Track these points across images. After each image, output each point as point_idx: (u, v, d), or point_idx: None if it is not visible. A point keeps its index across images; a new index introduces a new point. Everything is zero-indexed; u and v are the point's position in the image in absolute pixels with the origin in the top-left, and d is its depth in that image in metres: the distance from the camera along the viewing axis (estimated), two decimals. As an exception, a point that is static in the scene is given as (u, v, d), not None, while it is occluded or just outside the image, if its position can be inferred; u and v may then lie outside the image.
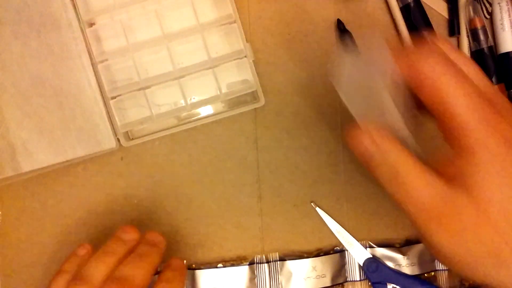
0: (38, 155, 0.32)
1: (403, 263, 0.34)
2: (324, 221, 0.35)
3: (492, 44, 0.35)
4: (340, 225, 0.34)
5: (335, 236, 0.35)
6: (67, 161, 0.33)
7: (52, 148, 0.32)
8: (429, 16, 0.34)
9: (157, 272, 0.32)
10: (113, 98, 0.33)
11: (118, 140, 0.34)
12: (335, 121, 0.35)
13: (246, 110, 0.34)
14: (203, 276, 0.33)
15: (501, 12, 0.35)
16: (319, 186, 0.35)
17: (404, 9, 0.35)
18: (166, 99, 0.34)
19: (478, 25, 0.34)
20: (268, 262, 0.34)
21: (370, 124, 0.21)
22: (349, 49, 0.20)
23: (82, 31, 0.33)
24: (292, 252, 0.35)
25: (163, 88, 0.34)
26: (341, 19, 0.35)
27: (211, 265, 0.34)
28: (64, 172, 0.35)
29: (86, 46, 0.33)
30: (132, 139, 0.34)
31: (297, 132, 0.35)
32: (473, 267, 0.19)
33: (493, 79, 0.34)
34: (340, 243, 0.34)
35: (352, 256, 0.34)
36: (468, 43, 0.35)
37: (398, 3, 0.35)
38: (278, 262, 0.34)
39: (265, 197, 0.35)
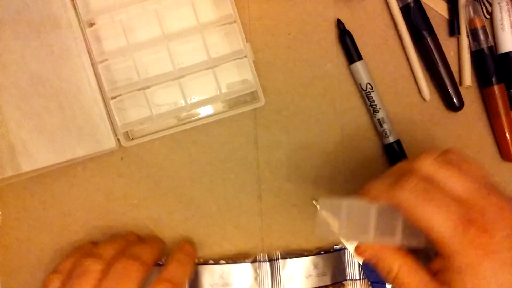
0: (38, 155, 0.32)
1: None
2: (324, 221, 0.35)
3: (492, 44, 0.35)
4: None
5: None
6: (67, 161, 0.33)
7: (52, 148, 0.32)
8: (429, 16, 0.34)
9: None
10: (113, 98, 0.33)
11: (118, 140, 0.34)
12: (335, 121, 0.35)
13: (246, 110, 0.34)
14: (205, 272, 0.33)
15: (501, 12, 0.35)
16: (319, 186, 0.35)
17: (404, 9, 0.35)
18: (166, 99, 0.34)
19: (478, 25, 0.34)
20: (270, 260, 0.34)
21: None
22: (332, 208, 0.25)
23: (82, 31, 0.33)
24: (292, 251, 0.35)
25: (163, 88, 0.34)
26: (341, 19, 0.35)
27: (214, 261, 0.34)
28: (64, 172, 0.35)
29: (86, 46, 0.33)
30: (132, 139, 0.34)
31: (297, 132, 0.35)
32: None
33: (493, 79, 0.34)
34: (340, 241, 0.34)
35: (351, 255, 0.34)
36: (468, 43, 0.35)
37: (398, 3, 0.35)
38: (280, 260, 0.34)
39: (265, 197, 0.35)
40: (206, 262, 0.34)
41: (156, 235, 0.35)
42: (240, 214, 0.35)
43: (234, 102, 0.35)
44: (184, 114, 0.35)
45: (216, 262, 0.34)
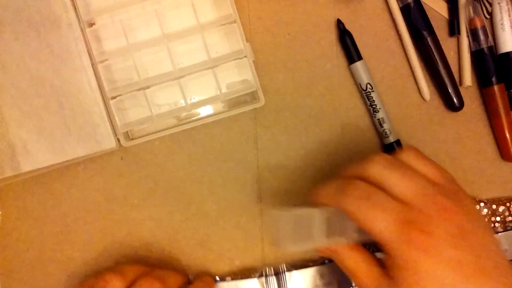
0: (38, 155, 0.32)
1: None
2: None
3: (492, 44, 0.35)
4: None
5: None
6: (67, 161, 0.33)
7: (52, 148, 0.32)
8: (429, 16, 0.34)
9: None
10: (113, 98, 0.33)
11: (118, 140, 0.34)
12: (335, 121, 0.35)
13: (246, 110, 0.34)
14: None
15: (501, 12, 0.35)
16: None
17: (404, 9, 0.35)
18: (166, 99, 0.34)
19: (478, 25, 0.34)
20: (276, 274, 0.34)
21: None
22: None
23: (82, 31, 0.33)
24: (297, 262, 0.35)
25: (163, 88, 0.34)
26: (341, 19, 0.35)
27: (221, 278, 0.34)
28: (64, 172, 0.35)
29: (86, 46, 0.33)
30: (132, 139, 0.34)
31: (297, 132, 0.35)
32: None
33: (493, 79, 0.34)
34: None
35: None
36: (468, 43, 0.35)
37: (398, 3, 0.35)
38: (286, 273, 0.34)
39: (265, 197, 0.35)
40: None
41: (178, 269, 0.35)
42: (240, 214, 0.35)
43: (234, 102, 0.35)
44: (184, 114, 0.35)
45: (223, 279, 0.34)
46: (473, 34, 0.35)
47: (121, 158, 0.35)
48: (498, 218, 0.35)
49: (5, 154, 0.31)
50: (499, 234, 0.34)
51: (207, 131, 0.35)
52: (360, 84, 0.34)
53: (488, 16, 0.35)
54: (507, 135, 0.34)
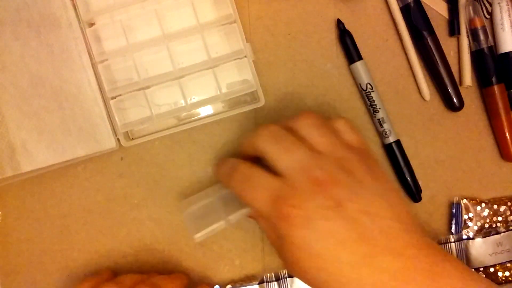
0: (38, 155, 0.32)
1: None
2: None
3: (492, 44, 0.35)
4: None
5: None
6: (67, 161, 0.33)
7: (52, 148, 0.32)
8: (429, 16, 0.34)
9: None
10: (113, 98, 0.33)
11: (118, 140, 0.34)
12: (335, 121, 0.35)
13: (246, 110, 0.34)
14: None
15: (501, 12, 0.35)
16: (319, 186, 0.35)
17: (404, 9, 0.35)
18: (166, 99, 0.34)
19: (478, 25, 0.34)
20: (277, 279, 0.34)
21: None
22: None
23: (82, 31, 0.33)
24: None
25: (163, 88, 0.34)
26: (341, 19, 0.35)
27: (221, 286, 0.34)
28: (64, 172, 0.35)
29: (86, 46, 0.33)
30: (132, 139, 0.34)
31: (297, 132, 0.35)
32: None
33: (493, 79, 0.34)
34: None
35: None
36: (468, 43, 0.35)
37: (398, 3, 0.35)
38: (288, 279, 0.34)
39: (265, 197, 0.35)
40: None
41: (181, 271, 0.34)
42: (240, 214, 0.35)
43: (234, 102, 0.35)
44: (184, 114, 0.35)
45: (223, 287, 0.34)
46: (473, 34, 0.35)
47: (121, 158, 0.35)
48: (500, 218, 0.35)
49: (5, 154, 0.31)
50: (502, 234, 0.34)
51: (207, 131, 0.35)
52: (360, 84, 0.34)
53: (488, 16, 0.35)
54: (507, 135, 0.34)
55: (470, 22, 0.35)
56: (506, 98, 0.34)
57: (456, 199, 0.35)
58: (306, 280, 0.25)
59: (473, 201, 0.35)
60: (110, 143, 0.34)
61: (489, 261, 0.34)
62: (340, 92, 0.35)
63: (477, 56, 0.35)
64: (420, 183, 0.35)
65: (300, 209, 0.24)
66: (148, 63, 0.34)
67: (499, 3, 0.35)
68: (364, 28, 0.35)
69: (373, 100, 0.34)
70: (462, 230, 0.35)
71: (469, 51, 0.35)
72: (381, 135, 0.34)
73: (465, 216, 0.35)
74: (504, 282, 0.34)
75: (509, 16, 0.35)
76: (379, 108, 0.34)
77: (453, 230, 0.35)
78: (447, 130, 0.36)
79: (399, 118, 0.35)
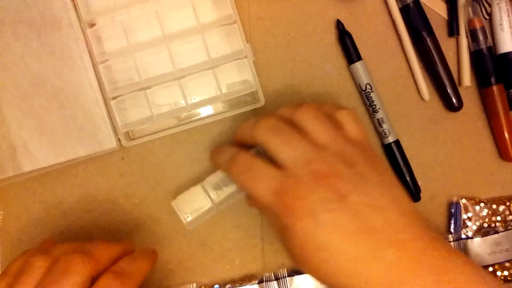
0: (39, 155, 0.32)
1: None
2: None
3: (491, 44, 0.35)
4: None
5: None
6: (67, 161, 0.33)
7: (53, 148, 0.32)
8: (428, 17, 0.34)
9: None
10: (113, 98, 0.34)
11: (119, 140, 0.34)
12: (335, 121, 0.35)
13: (246, 110, 0.34)
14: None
15: (500, 13, 0.35)
16: (319, 186, 0.35)
17: (404, 10, 0.35)
18: (166, 99, 0.34)
19: (477, 26, 0.34)
20: (277, 279, 0.34)
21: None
22: None
23: (83, 31, 0.33)
24: None
25: (163, 88, 0.34)
26: (340, 20, 0.35)
27: (221, 286, 0.34)
28: (65, 172, 0.35)
29: (87, 46, 0.33)
30: (133, 139, 0.34)
31: (297, 132, 0.35)
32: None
33: (492, 79, 0.34)
34: None
35: None
36: (467, 43, 0.35)
37: (397, 4, 0.35)
38: (287, 278, 0.34)
39: (265, 197, 0.35)
40: (211, 288, 0.34)
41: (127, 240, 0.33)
42: (240, 214, 0.35)
43: (234, 103, 0.35)
44: (184, 114, 0.35)
45: (222, 287, 0.34)
46: (472, 34, 0.35)
47: (122, 158, 0.35)
48: (498, 218, 0.35)
49: (6, 154, 0.32)
50: (500, 233, 0.35)
51: (207, 131, 0.35)
52: (359, 85, 0.34)
53: (487, 17, 0.35)
54: (506, 135, 0.35)
55: (469, 22, 0.35)
56: (505, 98, 0.35)
57: (455, 198, 0.35)
58: (310, 272, 0.25)
59: (472, 201, 0.35)
60: (110, 143, 0.34)
61: (488, 260, 0.34)
62: (339, 92, 0.35)
63: (476, 57, 0.35)
64: (419, 182, 0.35)
65: (304, 201, 0.24)
66: (148, 64, 0.34)
67: (498, 3, 0.35)
68: (364, 28, 0.35)
69: (373, 100, 0.34)
70: (461, 229, 0.35)
71: (468, 52, 0.35)
72: (381, 135, 0.35)
73: (464, 216, 0.35)
74: (503, 281, 0.35)
75: (508, 17, 0.35)
76: (379, 108, 0.34)
77: (452, 229, 0.35)
78: (446, 130, 0.36)
79: (399, 118, 0.35)
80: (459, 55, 0.36)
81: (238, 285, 0.34)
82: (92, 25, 0.34)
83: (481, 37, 0.35)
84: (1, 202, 0.35)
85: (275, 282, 0.34)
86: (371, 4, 0.36)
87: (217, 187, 0.31)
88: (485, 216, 0.35)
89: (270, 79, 0.35)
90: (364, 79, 0.34)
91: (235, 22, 0.33)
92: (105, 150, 0.34)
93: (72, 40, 0.33)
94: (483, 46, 0.34)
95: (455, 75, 0.35)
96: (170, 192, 0.35)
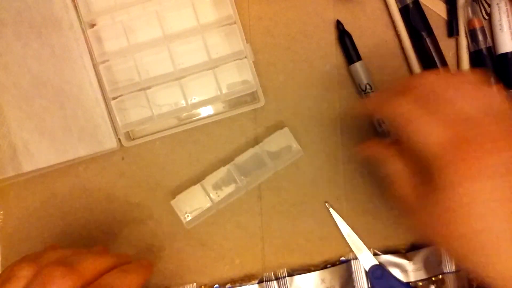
0: (39, 155, 0.32)
1: (409, 268, 0.34)
2: (323, 220, 0.35)
3: (491, 44, 0.35)
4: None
5: (335, 235, 0.35)
6: (68, 161, 0.33)
7: (53, 148, 0.32)
8: (428, 17, 0.35)
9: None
10: (114, 98, 0.34)
11: (119, 140, 0.34)
12: (335, 121, 0.35)
13: (246, 110, 0.34)
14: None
15: (499, 13, 0.35)
16: (319, 186, 0.35)
17: (403, 10, 0.35)
18: (166, 99, 0.35)
19: (477, 26, 0.34)
20: (277, 279, 0.34)
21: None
22: None
23: (83, 32, 0.33)
24: (298, 267, 0.35)
25: (163, 88, 0.34)
26: (340, 20, 0.35)
27: (220, 286, 0.34)
28: (65, 172, 0.35)
29: (87, 47, 0.33)
30: (133, 139, 0.35)
31: (297, 132, 0.35)
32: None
33: (492, 80, 0.34)
34: (346, 253, 0.35)
35: (358, 266, 0.34)
36: (466, 43, 0.35)
37: (397, 4, 0.35)
38: (287, 278, 0.34)
39: (264, 196, 0.35)
40: (212, 288, 0.34)
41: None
42: (241, 214, 0.35)
43: (234, 103, 0.35)
44: (184, 114, 0.35)
45: (222, 287, 0.34)
46: (472, 34, 0.35)
47: (122, 158, 0.35)
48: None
49: (7, 154, 0.32)
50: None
51: (207, 131, 0.35)
52: (359, 85, 0.34)
53: (486, 17, 0.35)
54: (506, 135, 0.34)
55: (469, 23, 0.35)
56: (504, 99, 0.35)
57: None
58: (445, 239, 0.22)
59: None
60: (111, 143, 0.34)
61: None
62: (339, 92, 0.35)
63: (476, 57, 0.35)
64: (419, 183, 0.35)
65: (478, 159, 0.20)
66: (149, 64, 0.34)
67: (497, 4, 0.35)
68: (363, 29, 0.35)
69: (373, 101, 0.34)
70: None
71: (468, 52, 0.35)
72: (381, 135, 0.35)
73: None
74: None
75: (508, 17, 0.35)
76: (379, 108, 0.34)
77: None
78: (446, 130, 0.36)
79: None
80: (458, 55, 0.36)
81: (238, 285, 0.34)
82: (92, 25, 0.34)
83: (480, 37, 0.35)
84: (1, 202, 0.35)
85: (275, 282, 0.34)
86: (371, 4, 0.36)
87: (216, 187, 0.31)
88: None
89: (270, 79, 0.35)
90: (364, 79, 0.34)
91: (235, 23, 0.33)
92: (106, 150, 0.34)
93: (72, 41, 0.33)
94: (482, 46, 0.35)
95: (454, 75, 0.35)
96: (170, 192, 0.35)
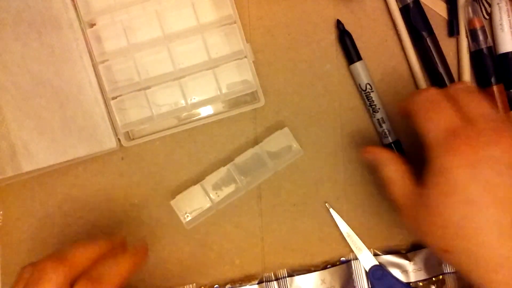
0: (39, 155, 0.32)
1: (409, 268, 0.34)
2: (323, 220, 0.35)
3: (491, 44, 0.35)
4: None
5: (335, 235, 0.35)
6: (67, 161, 0.33)
7: (53, 148, 0.32)
8: (428, 17, 0.34)
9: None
10: (113, 98, 0.34)
11: (119, 140, 0.34)
12: (335, 121, 0.35)
13: (246, 110, 0.34)
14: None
15: (500, 13, 0.35)
16: (319, 186, 0.35)
17: (404, 10, 0.35)
18: (166, 99, 0.34)
19: (477, 26, 0.34)
20: (277, 279, 0.34)
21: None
22: None
23: (83, 31, 0.33)
24: (298, 267, 0.35)
25: (163, 88, 0.34)
26: (340, 20, 0.35)
27: (220, 286, 0.34)
28: (65, 172, 0.35)
29: (87, 46, 0.33)
30: (133, 139, 0.34)
31: (297, 132, 0.35)
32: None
33: (492, 80, 0.34)
34: (346, 253, 0.35)
35: (358, 266, 0.34)
36: (467, 43, 0.35)
37: (397, 4, 0.35)
38: (287, 278, 0.34)
39: (264, 196, 0.35)
40: (211, 288, 0.34)
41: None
42: (240, 214, 0.35)
43: (234, 103, 0.35)
44: (184, 114, 0.35)
45: (222, 287, 0.34)
46: (472, 34, 0.35)
47: (122, 158, 0.35)
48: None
49: (6, 154, 0.32)
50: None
51: (207, 131, 0.35)
52: (359, 85, 0.34)
53: (487, 17, 0.35)
54: (506, 135, 0.34)
55: (469, 22, 0.35)
56: (505, 98, 0.35)
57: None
58: (436, 220, 0.24)
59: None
60: (110, 143, 0.34)
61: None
62: (339, 92, 0.35)
63: (476, 57, 0.35)
64: (419, 183, 0.35)
65: (475, 150, 0.23)
66: (148, 64, 0.34)
67: (498, 3, 0.35)
68: (364, 28, 0.35)
69: (373, 100, 0.34)
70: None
71: (468, 52, 0.35)
72: (381, 135, 0.35)
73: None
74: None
75: (508, 17, 0.35)
76: (379, 108, 0.34)
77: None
78: (447, 130, 0.36)
79: (399, 118, 0.35)
80: (459, 55, 0.36)
81: (238, 285, 0.34)
82: (92, 25, 0.34)
83: (481, 37, 0.35)
84: (1, 202, 0.35)
85: (275, 282, 0.34)
86: (371, 4, 0.36)
87: (216, 187, 0.31)
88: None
89: (270, 79, 0.35)
90: (364, 79, 0.34)
91: (235, 22, 0.33)
92: (105, 150, 0.34)
93: (72, 40, 0.33)
94: (483, 46, 0.34)
95: (455, 75, 0.35)
96: (170, 192, 0.35)
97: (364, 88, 0.34)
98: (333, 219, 0.35)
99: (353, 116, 0.35)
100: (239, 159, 0.33)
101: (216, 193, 0.32)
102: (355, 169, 0.35)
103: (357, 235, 0.34)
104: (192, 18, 0.33)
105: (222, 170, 0.33)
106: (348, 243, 0.34)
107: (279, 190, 0.35)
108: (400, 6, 0.35)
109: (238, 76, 0.35)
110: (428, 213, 0.25)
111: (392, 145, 0.34)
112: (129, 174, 0.35)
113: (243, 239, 0.35)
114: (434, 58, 0.34)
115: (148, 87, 0.34)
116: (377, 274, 0.33)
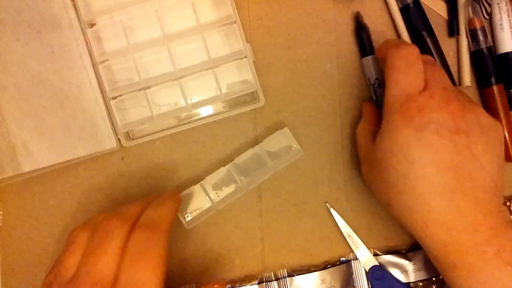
0: (39, 155, 0.32)
1: (409, 268, 0.34)
2: (323, 220, 0.35)
3: (491, 44, 0.35)
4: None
5: (335, 235, 0.35)
6: (67, 161, 0.33)
7: (53, 148, 0.32)
8: (428, 17, 0.34)
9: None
10: (113, 98, 0.34)
11: (119, 140, 0.34)
12: (335, 121, 0.35)
13: (246, 110, 0.34)
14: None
15: (500, 13, 0.35)
16: (319, 186, 0.35)
17: (404, 10, 0.35)
18: (166, 99, 0.34)
19: (477, 26, 0.34)
20: (277, 279, 0.34)
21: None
22: None
23: (83, 31, 0.33)
24: (298, 267, 0.35)
25: (163, 88, 0.34)
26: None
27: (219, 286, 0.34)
28: (65, 172, 0.35)
29: (87, 46, 0.33)
30: (133, 139, 0.34)
31: (297, 132, 0.35)
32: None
33: (492, 79, 0.34)
34: (346, 254, 0.35)
35: (358, 266, 0.34)
36: (467, 43, 0.35)
37: (397, 4, 0.35)
38: (287, 278, 0.34)
39: (264, 196, 0.35)
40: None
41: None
42: (240, 214, 0.35)
43: (234, 103, 0.35)
44: (184, 114, 0.35)
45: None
46: (472, 34, 0.35)
47: (122, 158, 0.35)
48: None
49: (6, 154, 0.32)
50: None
51: (207, 131, 0.35)
52: (369, 79, 0.34)
53: (487, 17, 0.35)
54: (506, 135, 0.34)
55: (469, 22, 0.35)
56: (505, 98, 0.35)
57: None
58: (382, 175, 0.27)
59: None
60: (110, 143, 0.34)
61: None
62: (339, 92, 0.35)
63: (476, 57, 0.35)
64: (419, 183, 0.35)
65: (423, 113, 0.25)
66: (148, 64, 0.34)
67: (498, 3, 0.35)
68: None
69: (380, 96, 0.34)
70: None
71: (468, 52, 0.35)
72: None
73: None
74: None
75: (508, 17, 0.35)
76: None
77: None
78: (447, 130, 0.36)
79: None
80: (459, 55, 0.36)
81: (238, 285, 0.34)
82: (92, 25, 0.34)
83: (481, 37, 0.35)
84: (1, 202, 0.35)
85: (275, 282, 0.34)
86: (371, 4, 0.36)
87: (216, 187, 0.31)
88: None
89: (270, 79, 0.35)
90: (374, 74, 0.34)
91: (235, 22, 0.33)
92: (105, 150, 0.34)
93: (72, 40, 0.33)
94: (483, 46, 0.34)
95: (455, 75, 0.35)
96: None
97: (373, 83, 0.34)
98: (333, 219, 0.35)
99: (353, 116, 0.35)
100: (239, 159, 0.33)
101: (216, 193, 0.32)
102: (355, 169, 0.35)
103: (357, 235, 0.34)
104: (192, 18, 0.33)
105: (222, 170, 0.33)
106: (348, 243, 0.34)
107: (279, 190, 0.35)
108: (400, 6, 0.35)
109: (238, 76, 0.35)
110: (376, 168, 0.27)
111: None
112: (129, 174, 0.35)
113: (243, 239, 0.35)
114: (434, 58, 0.34)
115: (148, 87, 0.34)
116: (377, 274, 0.33)
